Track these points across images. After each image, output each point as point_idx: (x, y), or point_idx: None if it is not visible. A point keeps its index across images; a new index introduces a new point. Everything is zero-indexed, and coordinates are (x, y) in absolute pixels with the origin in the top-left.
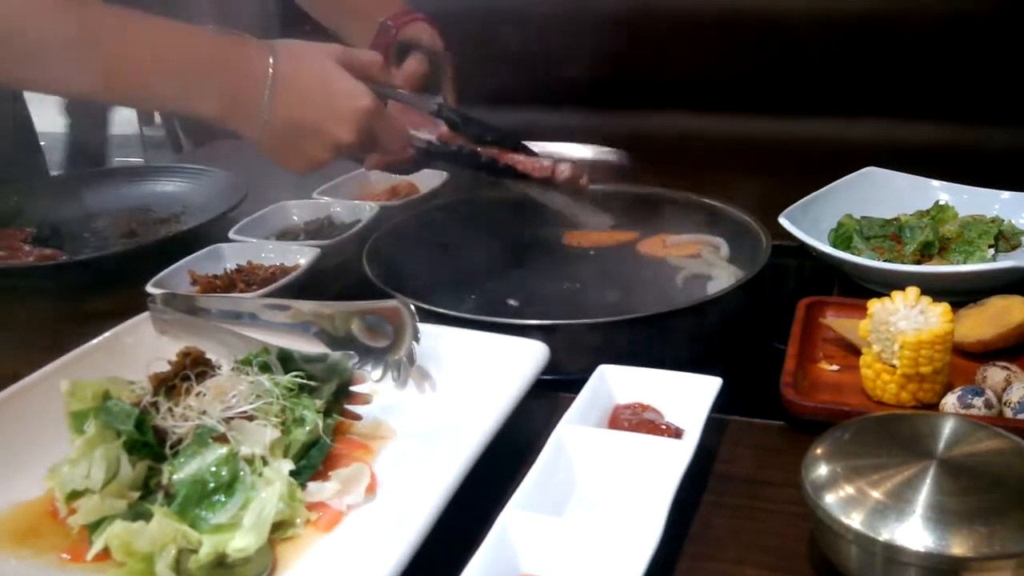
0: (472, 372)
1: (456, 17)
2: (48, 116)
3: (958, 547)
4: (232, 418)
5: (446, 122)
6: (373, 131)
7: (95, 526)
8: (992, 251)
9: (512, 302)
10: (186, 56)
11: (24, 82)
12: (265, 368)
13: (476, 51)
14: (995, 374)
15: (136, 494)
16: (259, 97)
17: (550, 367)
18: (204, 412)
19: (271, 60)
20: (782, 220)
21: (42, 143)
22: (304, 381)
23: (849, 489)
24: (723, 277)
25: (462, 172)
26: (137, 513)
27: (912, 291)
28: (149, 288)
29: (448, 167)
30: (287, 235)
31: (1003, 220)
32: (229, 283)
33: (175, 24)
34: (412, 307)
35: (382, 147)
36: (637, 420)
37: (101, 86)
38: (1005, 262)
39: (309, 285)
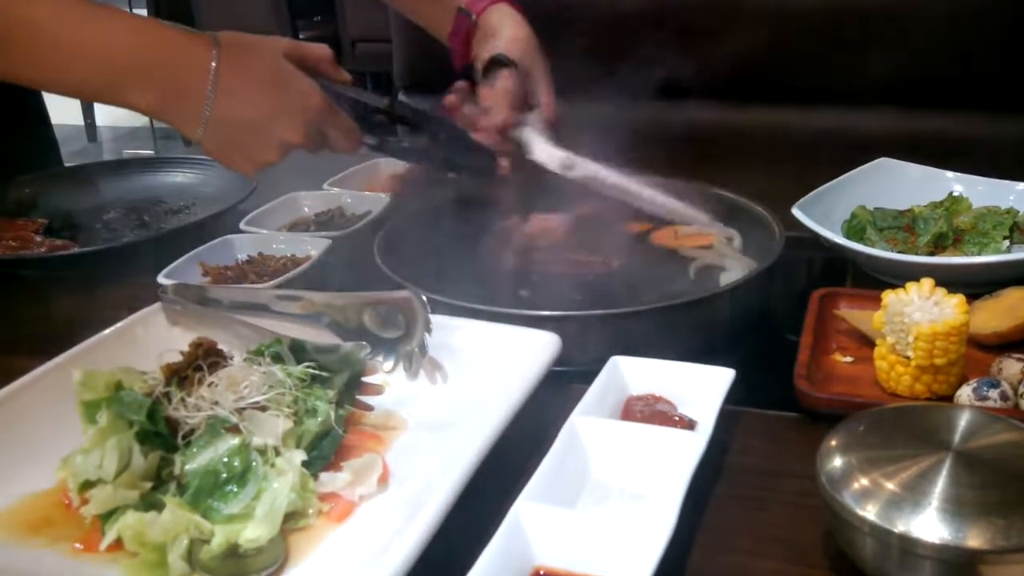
0: (484, 363)
1: None
2: (65, 108)
3: (975, 539)
4: (244, 408)
5: (401, 122)
6: (322, 130)
7: (108, 516)
8: (1007, 242)
9: (524, 292)
10: (118, 41)
11: None
12: (277, 358)
13: None
14: (1011, 366)
15: (148, 484)
16: (202, 93)
17: (562, 358)
18: (216, 402)
19: (214, 53)
20: (795, 211)
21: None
22: (316, 372)
23: (864, 481)
24: (736, 268)
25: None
26: (149, 503)
27: (927, 282)
28: (160, 279)
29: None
30: (298, 226)
31: (1018, 211)
32: (240, 274)
33: (109, 10)
34: (424, 297)
35: (330, 146)
36: (650, 411)
37: (20, 69)
38: (1020, 253)
39: (321, 276)
